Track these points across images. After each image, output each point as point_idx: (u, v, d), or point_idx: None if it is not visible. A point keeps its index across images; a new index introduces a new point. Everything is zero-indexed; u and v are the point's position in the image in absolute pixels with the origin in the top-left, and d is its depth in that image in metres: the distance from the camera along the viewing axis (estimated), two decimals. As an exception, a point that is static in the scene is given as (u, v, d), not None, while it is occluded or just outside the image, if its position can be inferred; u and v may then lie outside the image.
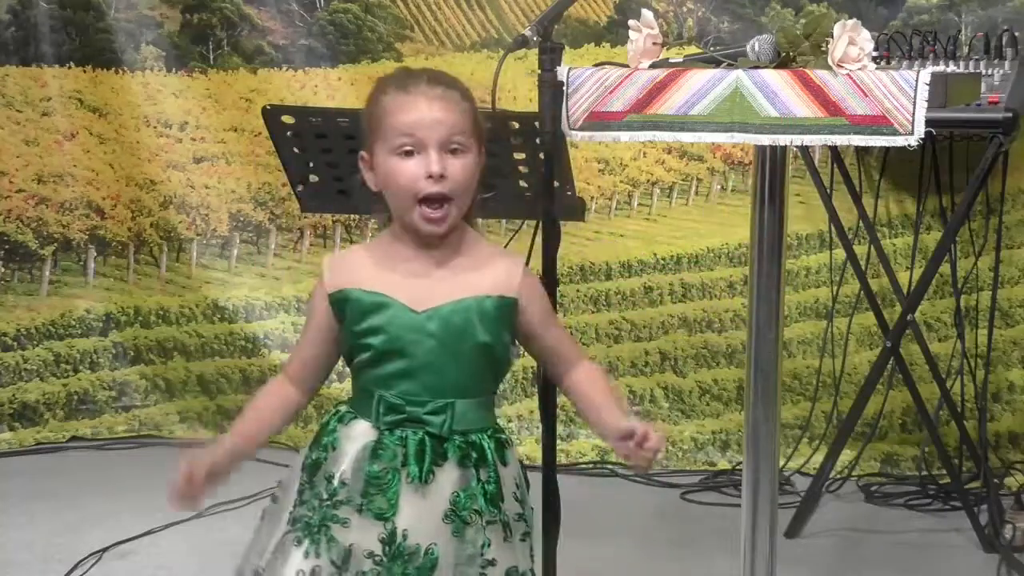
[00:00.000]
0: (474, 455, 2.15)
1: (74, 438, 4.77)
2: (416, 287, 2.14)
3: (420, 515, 2.12)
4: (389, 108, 2.11)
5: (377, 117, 2.12)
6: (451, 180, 2.08)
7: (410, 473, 2.12)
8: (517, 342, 2.21)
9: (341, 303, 2.16)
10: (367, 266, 2.17)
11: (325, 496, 2.15)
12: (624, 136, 2.52)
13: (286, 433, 4.74)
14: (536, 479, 2.34)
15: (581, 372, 2.22)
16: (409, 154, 2.09)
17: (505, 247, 2.37)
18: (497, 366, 2.19)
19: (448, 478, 2.13)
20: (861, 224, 4.13)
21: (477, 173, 2.14)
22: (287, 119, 2.96)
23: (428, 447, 2.13)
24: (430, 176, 2.08)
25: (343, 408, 2.22)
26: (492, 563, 2.13)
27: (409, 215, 2.11)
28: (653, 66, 2.56)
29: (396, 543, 2.11)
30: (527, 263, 2.24)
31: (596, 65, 2.58)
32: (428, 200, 2.09)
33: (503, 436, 2.21)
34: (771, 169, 2.69)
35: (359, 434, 2.17)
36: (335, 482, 2.14)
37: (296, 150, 3.00)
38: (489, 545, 2.13)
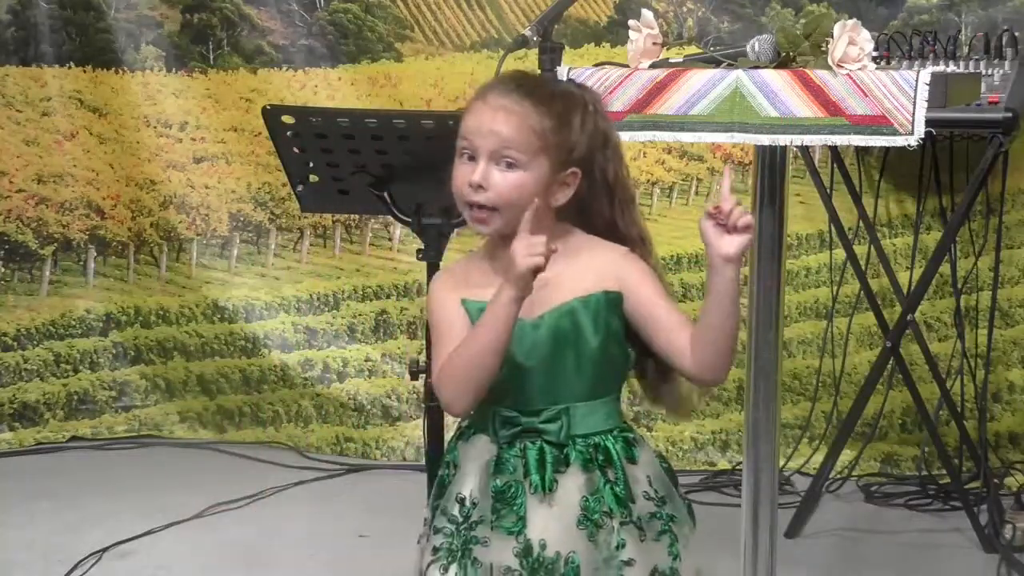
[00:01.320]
0: (599, 457, 2.11)
1: (74, 438, 4.77)
2: None
3: (551, 524, 2.08)
4: (467, 110, 2.11)
5: (462, 118, 2.12)
6: (493, 192, 2.06)
7: (532, 483, 2.08)
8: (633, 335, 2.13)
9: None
10: (474, 277, 2.15)
11: (460, 519, 2.12)
12: (624, 136, 2.51)
13: (285, 433, 4.80)
14: (673, 486, 2.25)
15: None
16: (469, 159, 2.08)
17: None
18: (613, 365, 2.14)
19: (574, 483, 2.09)
20: (861, 224, 4.13)
21: (538, 190, 2.07)
22: (287, 119, 2.96)
23: (548, 455, 2.10)
24: (469, 184, 2.07)
25: (464, 424, 2.19)
26: (630, 563, 2.09)
27: (465, 215, 2.11)
28: (653, 66, 2.56)
29: (534, 555, 2.08)
30: (633, 249, 2.16)
31: (596, 65, 2.59)
32: (470, 206, 2.09)
33: (631, 435, 2.16)
34: (771, 169, 2.69)
35: (480, 451, 2.14)
36: (467, 503, 2.12)
37: (296, 150, 3.00)
38: (624, 546, 2.10)
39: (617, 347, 2.13)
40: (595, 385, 2.13)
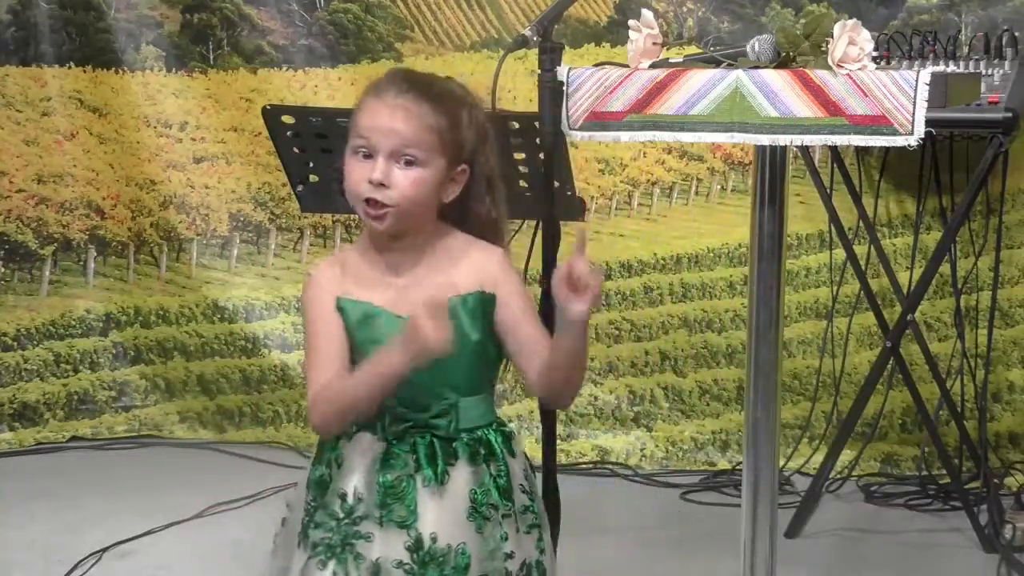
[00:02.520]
0: (483, 451, 2.16)
1: (74, 438, 4.77)
2: (399, 292, 2.14)
3: (442, 517, 2.12)
4: (360, 109, 2.13)
5: (353, 116, 2.15)
6: (394, 190, 2.08)
7: (426, 477, 2.12)
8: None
9: (340, 311, 2.16)
10: (350, 275, 2.17)
11: (342, 514, 2.14)
12: (624, 136, 2.52)
13: (285, 433, 4.79)
14: (536, 479, 2.33)
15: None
16: (365, 156, 2.10)
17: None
18: (490, 360, 2.20)
19: (462, 476, 2.14)
20: (861, 224, 4.13)
21: (436, 187, 2.12)
22: (287, 119, 2.96)
23: (439, 449, 2.14)
24: (371, 182, 2.09)
25: None
26: (511, 556, 2.14)
27: (359, 212, 2.13)
28: (653, 66, 2.56)
29: (425, 548, 2.11)
30: (505, 251, 2.21)
31: (596, 65, 2.58)
32: (368, 203, 2.10)
33: (508, 429, 2.22)
34: (771, 169, 2.69)
35: (365, 447, 2.16)
36: (350, 498, 2.14)
37: (296, 150, 3.00)
38: (506, 538, 2.15)
39: (492, 343, 2.17)
40: (476, 380, 2.18)
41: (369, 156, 2.10)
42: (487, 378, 2.21)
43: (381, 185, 2.08)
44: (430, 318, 1.97)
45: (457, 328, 2.10)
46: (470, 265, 2.16)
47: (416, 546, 2.11)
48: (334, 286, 2.17)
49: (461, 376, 2.15)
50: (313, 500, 2.19)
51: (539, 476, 2.44)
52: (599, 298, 2.05)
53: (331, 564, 2.14)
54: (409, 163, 2.10)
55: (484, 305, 2.15)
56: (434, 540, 2.11)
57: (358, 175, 2.10)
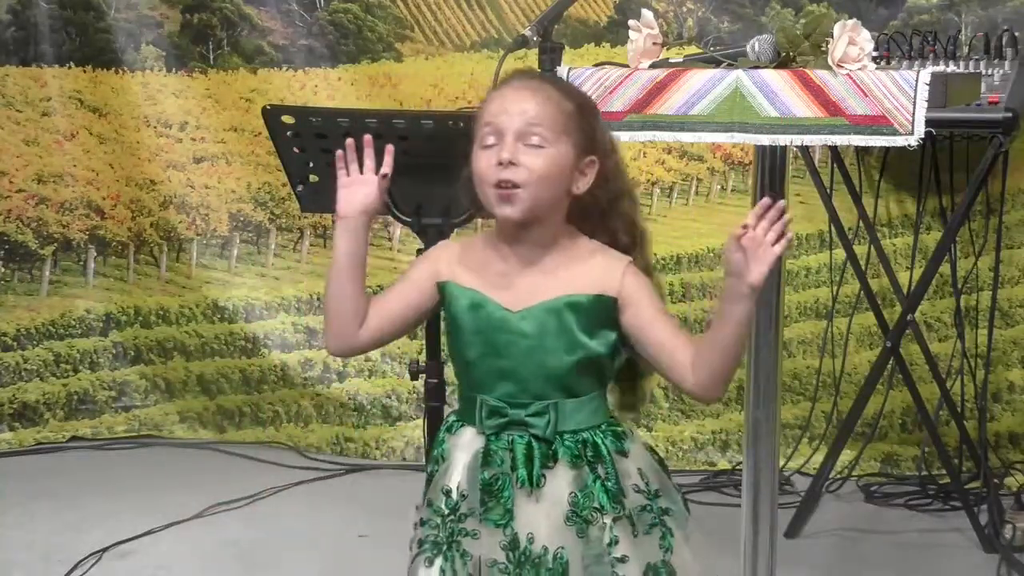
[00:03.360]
0: (588, 453, 2.10)
1: (74, 438, 4.77)
2: (512, 286, 2.10)
3: (538, 519, 2.08)
4: (485, 104, 2.10)
5: (477, 118, 2.11)
6: (523, 168, 2.04)
7: (519, 478, 2.07)
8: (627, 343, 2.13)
9: (444, 294, 2.15)
10: (466, 262, 2.15)
11: (447, 511, 2.11)
12: (624, 136, 2.52)
13: (285, 433, 4.79)
14: (666, 476, 2.24)
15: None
16: (491, 147, 2.07)
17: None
18: (601, 364, 2.13)
19: (563, 479, 2.09)
20: (861, 224, 4.13)
21: (566, 173, 2.08)
22: (287, 119, 2.96)
23: (536, 451, 2.09)
24: (500, 163, 2.05)
25: (452, 418, 2.19)
26: (623, 560, 2.09)
27: (488, 201, 2.09)
28: (653, 66, 2.56)
29: (521, 548, 2.07)
30: (633, 260, 2.15)
31: (596, 65, 2.59)
32: (499, 185, 2.06)
33: (620, 428, 2.16)
34: (771, 169, 2.69)
35: (467, 442, 2.13)
36: (454, 495, 2.11)
37: (296, 150, 3.00)
38: (617, 542, 2.09)
39: (604, 348, 2.12)
40: (581, 382, 2.12)
41: (494, 143, 2.06)
42: (596, 381, 2.15)
43: (511, 164, 2.04)
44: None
45: (563, 327, 2.08)
46: (592, 269, 2.11)
47: (512, 546, 2.07)
48: (444, 266, 2.15)
49: (562, 376, 2.10)
50: (423, 496, 2.17)
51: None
52: (790, 241, 1.99)
53: (438, 561, 2.11)
54: (536, 146, 2.06)
55: (599, 307, 2.09)
56: (530, 541, 2.07)
57: (485, 162, 2.07)
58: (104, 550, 3.71)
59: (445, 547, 2.10)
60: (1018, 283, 4.26)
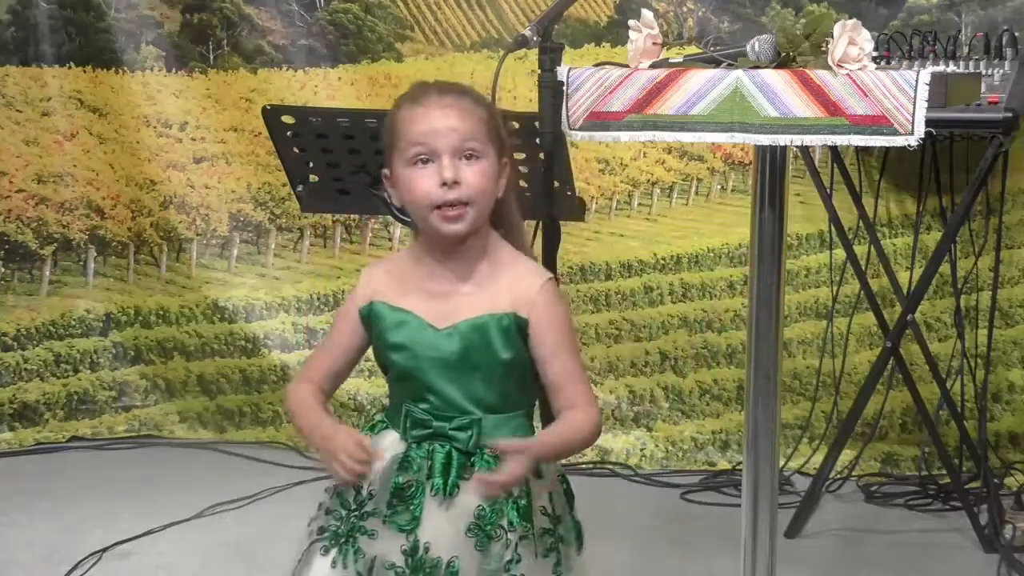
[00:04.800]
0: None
1: (74, 438, 4.77)
2: (438, 303, 2.14)
3: (442, 528, 2.11)
4: (403, 121, 2.12)
5: (393, 132, 2.13)
6: (466, 186, 2.08)
7: (434, 486, 2.11)
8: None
9: (369, 316, 2.19)
10: (393, 280, 2.18)
11: (353, 506, 2.15)
12: (624, 136, 2.52)
13: (285, 433, 4.79)
14: (568, 503, 2.28)
15: (567, 415, 2.14)
16: (424, 163, 2.09)
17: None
18: (524, 382, 2.17)
19: (475, 493, 2.10)
20: (861, 224, 4.13)
21: (496, 178, 2.13)
22: (287, 119, 2.96)
23: (455, 461, 2.13)
24: (444, 183, 2.07)
25: (377, 418, 2.24)
26: None
27: (428, 222, 2.11)
28: (653, 66, 2.56)
29: (418, 555, 2.11)
30: (552, 277, 2.19)
31: (596, 65, 2.58)
32: (446, 206, 2.09)
33: None
34: (771, 169, 2.69)
35: (388, 445, 2.17)
36: (363, 492, 2.14)
37: (296, 150, 3.00)
38: (519, 561, 2.11)
39: (524, 366, 2.15)
40: (505, 399, 2.15)
41: (428, 161, 2.09)
42: (520, 398, 2.18)
43: (455, 184, 2.07)
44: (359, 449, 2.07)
45: (487, 345, 2.10)
46: (511, 284, 2.14)
47: (412, 551, 2.11)
48: (368, 290, 2.19)
49: (487, 392, 2.13)
50: (331, 490, 2.21)
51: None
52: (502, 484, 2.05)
53: (333, 552, 2.15)
54: (470, 157, 2.09)
55: (519, 327, 2.12)
56: (427, 550, 2.11)
57: (425, 183, 2.09)
58: (104, 550, 3.71)
59: (343, 540, 2.15)
60: (1018, 283, 4.26)
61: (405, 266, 2.20)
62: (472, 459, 2.13)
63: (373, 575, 2.12)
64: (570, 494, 2.24)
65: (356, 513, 2.15)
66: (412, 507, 2.12)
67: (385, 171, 2.18)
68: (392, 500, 2.12)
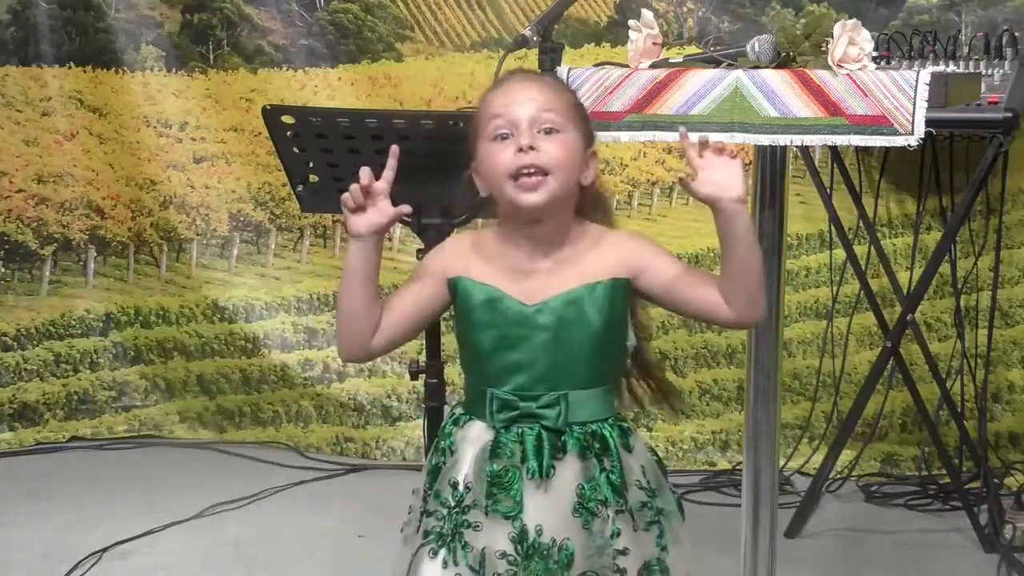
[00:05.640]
0: (596, 445, 2.11)
1: (74, 438, 4.77)
2: (526, 280, 2.11)
3: (547, 510, 2.09)
4: (485, 103, 2.11)
5: (478, 115, 2.12)
6: (544, 153, 2.06)
7: (530, 469, 2.08)
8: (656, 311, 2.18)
9: (455, 289, 2.15)
10: (479, 256, 2.16)
11: (453, 503, 2.12)
12: (624, 136, 2.52)
13: (285, 433, 4.79)
14: (664, 476, 2.25)
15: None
16: (504, 138, 2.08)
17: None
18: (613, 355, 2.16)
19: (570, 471, 2.10)
20: (861, 224, 4.13)
21: (579, 158, 2.11)
22: (287, 119, 2.95)
23: (546, 441, 2.10)
24: (520, 150, 2.06)
25: (458, 411, 2.20)
26: (624, 552, 2.10)
27: (506, 196, 2.09)
28: (653, 66, 2.56)
29: (529, 540, 2.08)
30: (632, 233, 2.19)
31: (596, 65, 2.59)
32: (522, 174, 2.07)
33: (626, 424, 2.17)
34: (771, 169, 2.69)
35: (476, 435, 2.14)
36: (460, 487, 2.11)
37: (296, 150, 3.00)
38: (619, 534, 2.10)
39: (618, 336, 2.15)
40: (594, 373, 2.13)
41: (507, 137, 2.07)
42: (608, 372, 2.17)
43: (532, 150, 2.05)
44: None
45: (580, 317, 2.09)
46: (602, 254, 2.13)
47: (520, 537, 2.08)
48: (454, 262, 2.16)
49: (576, 368, 2.11)
50: (428, 488, 2.17)
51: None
52: (738, 158, 2.02)
53: (441, 553, 2.11)
54: (550, 131, 2.08)
55: (615, 292, 2.11)
56: (539, 533, 2.08)
57: (502, 153, 2.07)
58: (104, 550, 3.71)
59: (449, 539, 2.11)
60: (1018, 283, 4.26)
61: (491, 245, 2.16)
62: (563, 438, 2.10)
63: (485, 567, 2.09)
64: (662, 465, 2.21)
65: (457, 509, 2.11)
66: (512, 492, 2.08)
67: (473, 163, 2.15)
68: (491, 489, 2.09)
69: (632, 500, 2.12)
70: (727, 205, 2.05)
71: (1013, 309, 4.27)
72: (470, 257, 2.15)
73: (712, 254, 4.47)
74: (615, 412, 2.17)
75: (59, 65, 4.77)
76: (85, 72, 4.79)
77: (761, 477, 2.78)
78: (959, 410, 4.07)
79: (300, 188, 3.06)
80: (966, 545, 3.71)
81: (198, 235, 4.79)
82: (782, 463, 4.08)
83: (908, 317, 3.74)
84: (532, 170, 2.05)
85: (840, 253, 4.16)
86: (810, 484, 3.93)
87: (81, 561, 3.63)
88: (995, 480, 3.97)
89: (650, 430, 4.49)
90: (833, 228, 4.13)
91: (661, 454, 4.45)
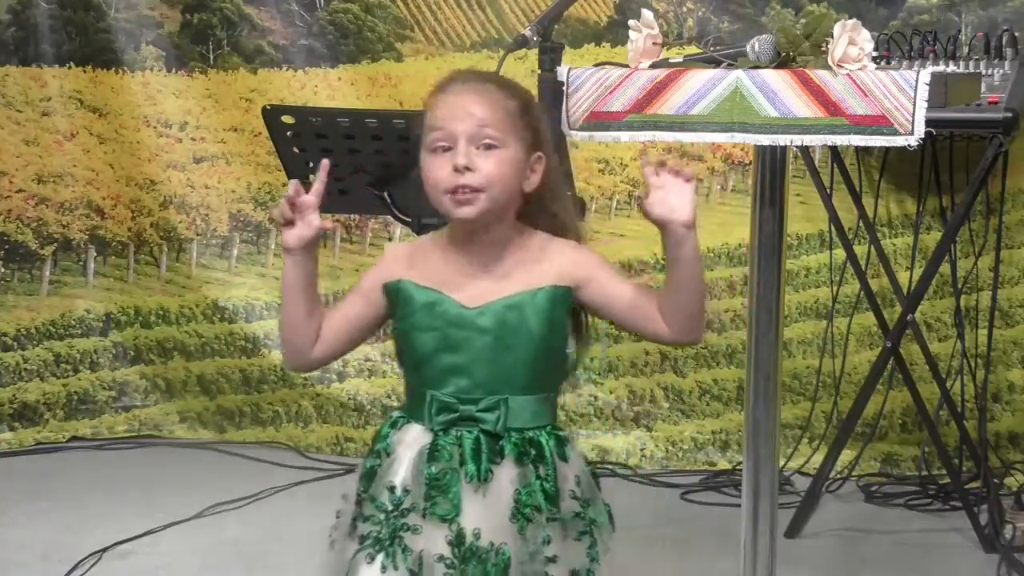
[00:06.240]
0: (532, 451, 2.12)
1: (74, 438, 4.77)
2: (469, 284, 2.12)
3: (485, 514, 2.09)
4: (429, 110, 2.12)
5: (424, 122, 2.13)
6: (479, 173, 2.06)
7: (468, 472, 2.09)
8: (593, 323, 2.17)
9: (395, 294, 2.15)
10: (419, 263, 2.16)
11: (390, 507, 2.11)
12: (624, 136, 2.52)
13: (285, 433, 4.79)
14: (597, 487, 2.26)
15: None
16: (443, 150, 2.09)
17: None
18: (554, 362, 2.16)
19: (508, 476, 2.10)
20: (861, 224, 4.13)
21: (518, 172, 2.11)
22: (287, 119, 2.96)
23: (484, 445, 2.10)
24: (456, 169, 2.07)
25: (396, 414, 2.20)
26: (553, 560, 2.10)
27: (442, 206, 2.11)
28: (653, 66, 2.56)
29: (467, 544, 2.08)
30: (579, 241, 2.20)
31: (596, 65, 2.59)
32: (457, 191, 2.08)
33: (563, 433, 2.17)
34: (771, 169, 2.69)
35: (413, 438, 2.14)
36: (398, 491, 2.11)
37: (296, 150, 3.00)
38: (549, 542, 2.10)
39: (559, 343, 2.15)
40: (534, 380, 2.14)
41: (447, 149, 2.08)
42: (548, 380, 2.17)
43: (467, 170, 2.06)
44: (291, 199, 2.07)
45: (522, 323, 2.10)
46: (545, 262, 2.14)
47: (458, 541, 2.08)
48: (394, 268, 2.17)
49: (515, 372, 2.11)
50: (363, 491, 2.16)
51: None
52: (691, 183, 2.03)
53: (379, 557, 2.11)
54: (489, 147, 2.08)
55: (556, 300, 2.12)
56: (476, 536, 2.08)
57: (439, 169, 2.09)
58: (104, 550, 3.71)
59: (387, 543, 2.11)
60: (1018, 283, 4.26)
61: (430, 252, 2.17)
62: (501, 442, 2.11)
63: (423, 570, 2.08)
64: (596, 477, 2.22)
65: (395, 512, 2.11)
66: (450, 495, 2.08)
67: (422, 163, 2.16)
68: (429, 492, 2.09)
69: (565, 510, 2.13)
70: (675, 228, 2.05)
71: (1013, 309, 4.27)
72: (410, 264, 2.17)
73: (712, 254, 4.48)
74: (552, 421, 2.18)
75: (59, 65, 4.77)
76: (85, 72, 4.79)
77: (761, 477, 2.77)
78: (959, 410, 4.07)
79: (300, 188, 3.05)
80: (966, 545, 3.71)
81: (198, 235, 4.79)
82: (782, 463, 4.07)
83: (908, 317, 3.74)
84: (465, 190, 2.07)
85: (840, 253, 4.16)
86: (810, 484, 3.93)
87: (81, 561, 3.63)
88: (995, 480, 3.97)
89: (650, 430, 4.49)
90: (833, 228, 4.12)
91: (661, 454, 4.48)
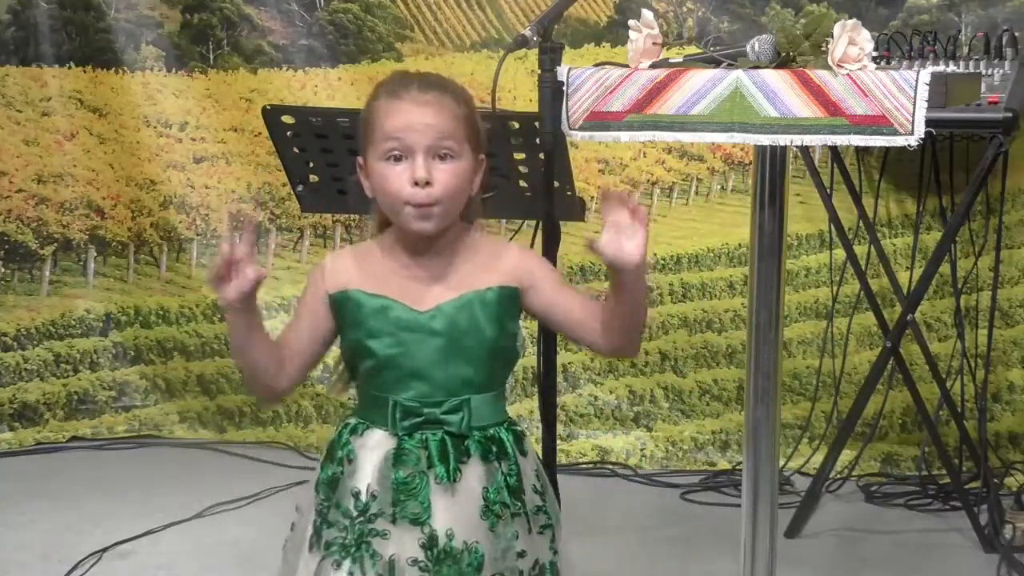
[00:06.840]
0: (495, 449, 2.14)
1: (74, 438, 4.77)
2: (417, 288, 2.13)
3: (456, 514, 2.10)
4: (380, 114, 2.11)
5: (370, 123, 2.12)
6: (438, 186, 2.07)
7: (438, 474, 2.10)
8: (534, 326, 2.19)
9: (342, 303, 2.16)
10: (367, 268, 2.17)
11: (355, 513, 2.12)
12: (624, 136, 2.52)
13: (285, 433, 4.79)
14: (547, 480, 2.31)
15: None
16: (398, 159, 2.09)
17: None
18: (505, 359, 2.19)
19: (474, 474, 2.12)
20: (861, 224, 4.13)
21: (470, 179, 2.13)
22: (287, 119, 2.96)
23: (451, 446, 2.12)
24: (416, 183, 2.07)
25: (353, 420, 2.19)
26: (522, 555, 2.13)
27: (399, 217, 2.11)
28: (653, 66, 2.56)
29: (440, 545, 2.09)
30: (520, 246, 2.23)
31: (596, 65, 2.58)
32: (416, 204, 2.09)
33: (519, 428, 2.21)
34: (771, 169, 2.69)
35: (376, 443, 2.14)
36: (363, 496, 2.12)
37: (296, 150, 3.00)
38: (517, 536, 2.13)
39: (510, 340, 2.17)
40: (489, 378, 2.16)
41: (401, 158, 2.08)
42: (500, 376, 2.20)
43: (427, 184, 2.07)
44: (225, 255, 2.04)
45: (473, 322, 2.11)
46: (489, 261, 2.16)
47: (430, 543, 2.09)
48: (334, 279, 2.18)
49: (473, 372, 2.13)
50: (325, 500, 2.16)
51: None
52: (645, 226, 2.02)
53: (346, 563, 2.11)
54: (445, 157, 2.09)
55: (503, 299, 2.14)
56: (450, 537, 2.09)
57: (398, 181, 2.08)
58: (104, 550, 3.71)
59: (354, 549, 2.11)
60: (1018, 283, 4.26)
61: (375, 257, 2.18)
62: (466, 442, 2.13)
63: (395, 575, 2.10)
64: (547, 470, 2.26)
65: (362, 518, 2.11)
66: (420, 498, 2.09)
67: (360, 159, 2.16)
68: (398, 496, 2.10)
69: (528, 503, 2.16)
70: (624, 270, 2.04)
71: (1013, 309, 4.27)
72: (354, 271, 2.17)
73: (712, 254, 4.48)
74: (507, 416, 2.21)
75: (59, 65, 4.77)
76: (85, 72, 4.79)
77: (761, 477, 2.77)
78: (959, 410, 4.07)
79: (300, 188, 3.06)
80: (966, 545, 3.71)
81: (198, 235, 4.79)
82: (782, 463, 4.08)
83: (908, 317, 3.74)
84: (427, 203, 2.08)
85: (840, 253, 4.16)
86: (810, 484, 3.93)
87: (81, 561, 3.63)
88: (995, 480, 3.97)
89: (650, 430, 4.49)
90: (833, 228, 4.13)
91: (661, 454, 4.48)
